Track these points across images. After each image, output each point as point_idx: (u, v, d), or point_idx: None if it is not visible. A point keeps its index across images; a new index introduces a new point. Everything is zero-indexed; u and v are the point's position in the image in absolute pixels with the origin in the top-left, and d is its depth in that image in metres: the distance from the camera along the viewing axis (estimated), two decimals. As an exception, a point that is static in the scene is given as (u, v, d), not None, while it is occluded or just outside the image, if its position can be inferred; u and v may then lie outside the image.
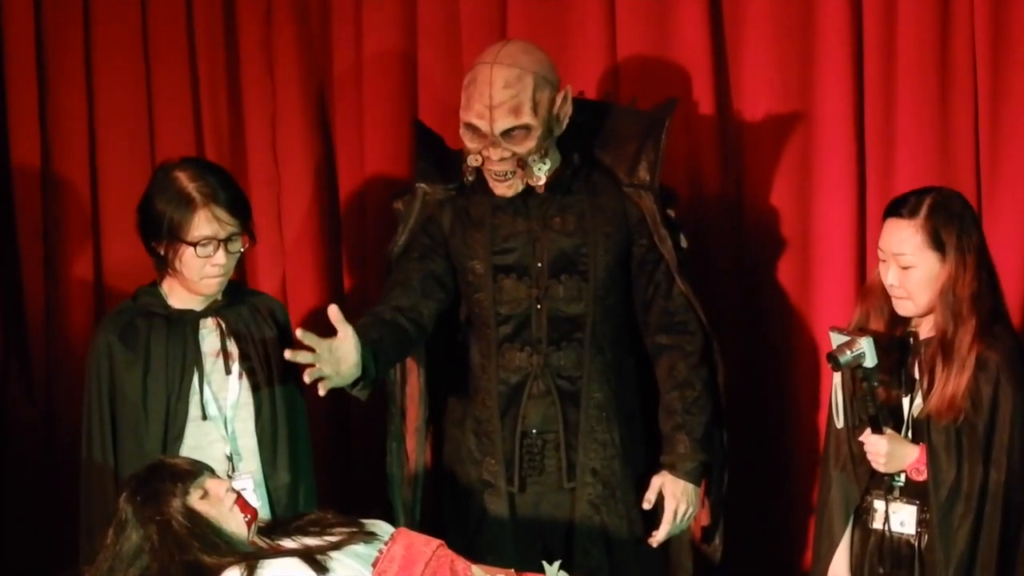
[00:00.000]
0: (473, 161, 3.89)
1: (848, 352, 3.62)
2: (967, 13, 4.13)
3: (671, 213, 4.01)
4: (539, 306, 3.96)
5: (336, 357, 3.63)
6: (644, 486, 3.96)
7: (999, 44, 4.10)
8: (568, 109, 3.90)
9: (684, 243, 4.01)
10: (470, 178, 3.95)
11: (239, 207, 3.81)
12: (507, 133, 3.82)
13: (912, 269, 3.63)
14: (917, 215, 3.62)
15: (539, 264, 3.95)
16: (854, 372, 3.66)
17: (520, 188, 3.90)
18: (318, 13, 4.71)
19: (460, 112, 3.87)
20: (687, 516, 3.96)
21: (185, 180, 3.77)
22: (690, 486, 3.94)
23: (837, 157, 4.25)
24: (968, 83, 4.14)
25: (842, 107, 4.23)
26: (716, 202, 4.41)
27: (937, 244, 3.61)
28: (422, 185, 4.05)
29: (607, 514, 4.00)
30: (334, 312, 3.62)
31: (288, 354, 3.61)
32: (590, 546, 3.98)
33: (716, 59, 4.37)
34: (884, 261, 3.67)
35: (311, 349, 3.59)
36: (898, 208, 3.65)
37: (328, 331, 3.64)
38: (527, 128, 3.83)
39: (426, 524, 4.01)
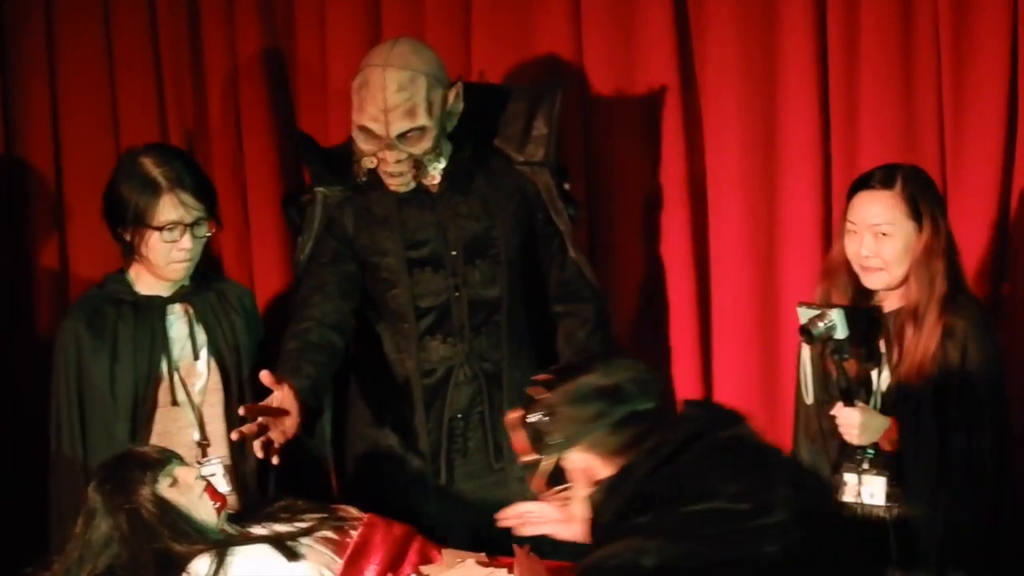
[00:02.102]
0: (368, 163, 3.89)
1: (820, 324, 3.60)
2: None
3: (567, 187, 4.03)
4: (458, 294, 3.96)
5: (280, 418, 3.61)
6: None
7: (962, 23, 4.09)
8: (460, 105, 3.91)
9: (572, 212, 4.03)
10: (363, 178, 3.95)
11: (205, 192, 3.81)
12: (403, 136, 3.82)
13: (889, 238, 3.61)
14: (893, 186, 3.61)
15: (453, 252, 3.95)
16: (825, 344, 3.64)
17: (412, 184, 3.90)
18: (283, 2, 4.68)
19: (353, 115, 3.86)
20: None
21: (150, 165, 3.77)
22: None
23: (802, 138, 4.23)
24: (932, 63, 4.13)
25: (806, 88, 4.21)
26: (682, 184, 4.39)
27: (915, 214, 3.60)
28: (321, 189, 4.03)
29: None
30: (266, 376, 3.59)
31: (235, 435, 3.56)
32: None
33: (681, 45, 4.34)
34: (855, 233, 3.65)
35: (254, 418, 3.57)
36: (869, 182, 3.64)
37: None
38: (422, 129, 3.83)
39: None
